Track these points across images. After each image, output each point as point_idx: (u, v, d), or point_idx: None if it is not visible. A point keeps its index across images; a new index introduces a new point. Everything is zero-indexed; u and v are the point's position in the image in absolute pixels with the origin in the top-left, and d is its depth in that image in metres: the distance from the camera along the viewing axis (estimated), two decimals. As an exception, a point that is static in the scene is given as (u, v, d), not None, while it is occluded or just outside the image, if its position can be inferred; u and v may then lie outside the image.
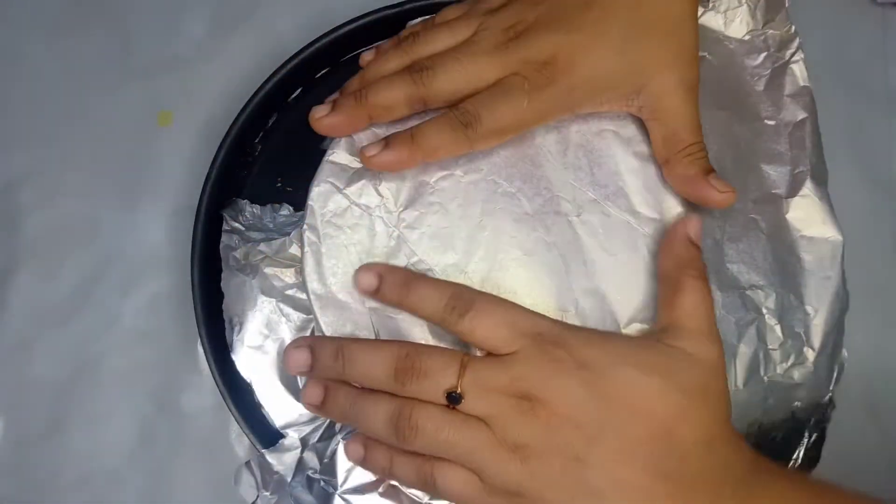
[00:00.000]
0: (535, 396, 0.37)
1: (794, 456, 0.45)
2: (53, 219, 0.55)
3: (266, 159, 0.54)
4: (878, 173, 0.55)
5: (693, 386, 0.38)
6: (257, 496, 0.44)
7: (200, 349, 0.49)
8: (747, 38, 0.49)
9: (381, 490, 0.43)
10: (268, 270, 0.46)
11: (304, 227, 0.43)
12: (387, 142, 0.42)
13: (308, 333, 0.45)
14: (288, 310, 0.46)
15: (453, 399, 0.37)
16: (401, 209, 0.44)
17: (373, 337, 0.42)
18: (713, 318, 0.40)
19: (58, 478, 0.51)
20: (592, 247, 0.43)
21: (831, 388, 0.46)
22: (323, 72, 0.54)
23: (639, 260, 0.44)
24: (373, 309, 0.42)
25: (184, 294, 0.50)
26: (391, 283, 0.41)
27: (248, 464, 0.45)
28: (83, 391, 0.52)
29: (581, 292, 0.43)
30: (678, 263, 0.41)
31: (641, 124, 0.46)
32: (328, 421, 0.45)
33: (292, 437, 0.45)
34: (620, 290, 0.43)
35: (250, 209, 0.48)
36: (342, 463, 0.43)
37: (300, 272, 0.44)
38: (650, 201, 0.45)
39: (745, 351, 0.44)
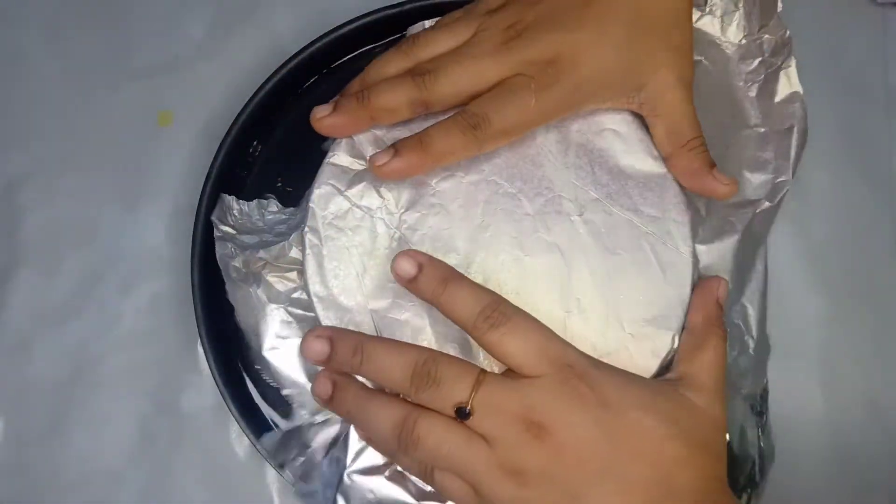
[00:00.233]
0: (545, 426, 0.37)
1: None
2: (53, 219, 0.55)
3: (266, 159, 0.54)
4: (878, 173, 0.55)
5: (698, 438, 0.38)
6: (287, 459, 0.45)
7: (200, 349, 0.49)
8: (743, 42, 0.49)
9: (387, 474, 0.43)
10: (270, 278, 0.46)
11: (306, 229, 0.43)
12: (396, 149, 0.42)
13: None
14: (298, 312, 0.46)
15: (462, 414, 0.37)
16: (402, 211, 0.44)
17: None
18: (725, 379, 0.41)
19: (58, 478, 0.51)
20: (595, 246, 0.43)
21: (766, 376, 0.47)
22: (323, 72, 0.54)
23: (642, 258, 0.44)
24: (375, 311, 0.42)
25: (184, 294, 0.50)
26: (430, 276, 0.40)
27: (287, 433, 0.46)
28: (83, 391, 0.52)
29: (583, 292, 0.43)
30: (707, 320, 0.42)
31: (642, 123, 0.46)
32: None
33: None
34: (623, 290, 0.43)
35: (237, 206, 0.48)
36: (353, 444, 0.43)
37: (302, 275, 0.44)
38: (652, 199, 0.45)
39: None
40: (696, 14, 0.48)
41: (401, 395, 0.40)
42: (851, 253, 0.54)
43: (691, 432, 0.38)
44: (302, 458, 0.45)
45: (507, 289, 0.42)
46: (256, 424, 0.48)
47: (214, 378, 0.48)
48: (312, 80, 0.54)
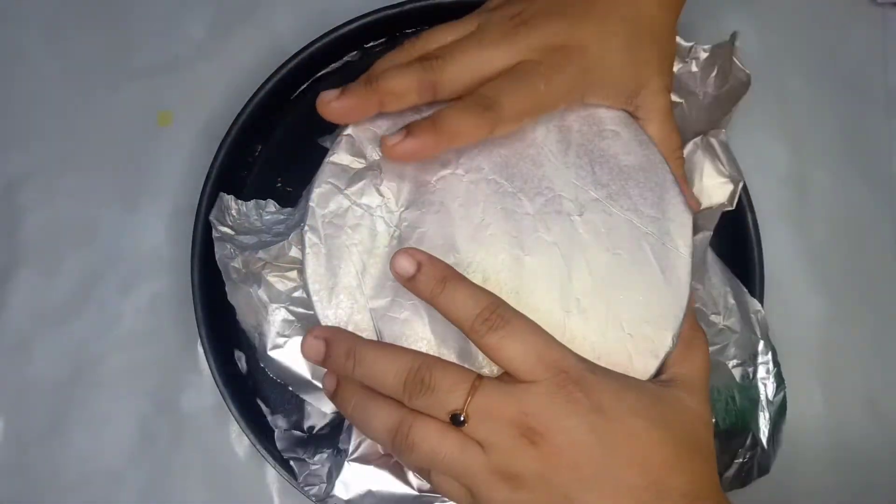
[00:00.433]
0: (540, 431, 0.37)
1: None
2: (53, 219, 0.55)
3: (266, 159, 0.54)
4: (878, 173, 0.56)
5: (690, 441, 0.39)
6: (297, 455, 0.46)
7: (200, 349, 0.50)
8: (721, 92, 0.49)
9: (388, 463, 0.43)
10: (270, 278, 0.46)
11: (305, 227, 0.43)
12: (408, 130, 0.41)
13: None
14: (299, 310, 0.46)
15: (457, 421, 0.37)
16: (402, 209, 0.44)
17: (375, 338, 0.42)
18: (709, 379, 0.42)
19: (58, 478, 0.51)
20: (595, 246, 0.43)
21: (759, 336, 0.48)
22: (323, 72, 0.54)
23: (642, 258, 0.44)
24: (374, 310, 0.42)
25: (184, 294, 0.50)
26: (429, 275, 0.40)
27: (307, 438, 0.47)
28: (83, 391, 0.52)
29: (583, 292, 0.43)
30: (691, 325, 0.43)
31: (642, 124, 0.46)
32: None
33: None
34: (623, 290, 0.43)
35: (235, 206, 0.48)
36: (356, 433, 0.43)
37: (302, 273, 0.44)
38: (652, 200, 0.45)
39: None
40: (677, 65, 0.49)
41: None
42: (851, 253, 0.54)
43: (684, 436, 0.38)
44: (312, 456, 0.46)
45: (506, 288, 0.42)
46: (256, 424, 0.48)
47: (214, 378, 0.48)
48: (312, 79, 0.54)
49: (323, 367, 0.41)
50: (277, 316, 0.46)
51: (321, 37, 0.52)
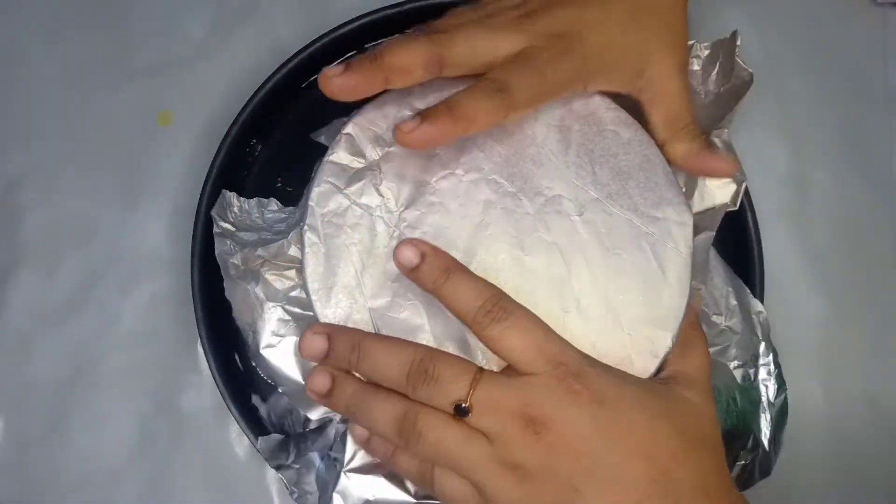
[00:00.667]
0: (543, 422, 0.37)
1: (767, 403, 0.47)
2: (53, 218, 0.55)
3: (266, 159, 0.54)
4: (878, 173, 0.56)
5: (694, 433, 0.39)
6: (284, 463, 0.45)
7: (200, 349, 0.50)
8: (722, 90, 0.49)
9: (385, 473, 0.43)
10: (269, 276, 0.45)
11: (305, 227, 0.43)
12: (423, 116, 0.41)
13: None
14: (295, 310, 0.45)
15: (460, 411, 0.37)
16: (401, 209, 0.44)
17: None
18: (711, 377, 0.42)
19: (58, 478, 0.51)
20: (594, 246, 0.43)
21: (761, 338, 0.47)
22: (323, 72, 0.54)
23: (642, 258, 0.44)
24: (374, 309, 0.42)
25: (184, 294, 0.50)
26: (432, 265, 0.40)
27: (284, 437, 0.46)
28: (83, 391, 0.52)
29: (583, 292, 0.43)
30: (690, 324, 0.43)
31: (642, 123, 0.46)
32: None
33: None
34: (623, 290, 0.43)
35: (238, 203, 0.48)
36: (350, 443, 0.43)
37: (301, 272, 0.44)
38: (653, 200, 0.45)
39: None
40: None
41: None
42: (851, 253, 0.54)
43: (687, 428, 0.39)
44: (298, 461, 0.45)
45: (506, 288, 0.42)
46: (256, 424, 0.48)
47: (214, 378, 0.48)
48: (312, 80, 0.54)
49: (323, 363, 0.41)
50: (273, 314, 0.45)
51: (321, 37, 0.52)
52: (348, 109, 0.45)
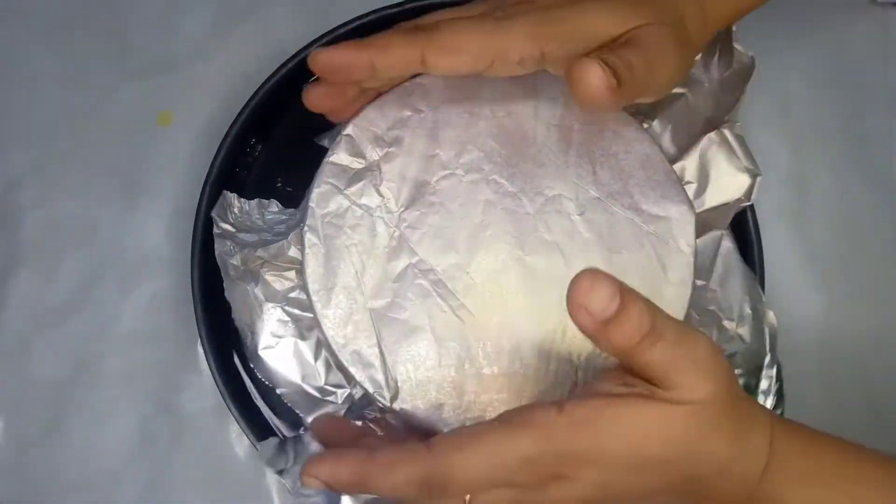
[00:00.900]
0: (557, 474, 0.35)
1: None
2: (53, 218, 0.55)
3: (266, 159, 0.54)
4: (878, 173, 0.55)
5: (691, 433, 0.35)
6: (285, 467, 0.44)
7: (200, 349, 0.49)
8: (724, 76, 0.49)
9: None
10: (268, 276, 0.45)
11: (305, 228, 0.43)
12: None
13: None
14: (294, 311, 0.45)
15: None
16: (402, 209, 0.44)
17: (374, 338, 0.42)
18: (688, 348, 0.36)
19: (57, 478, 0.51)
20: (596, 245, 0.44)
21: (768, 349, 0.46)
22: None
23: (643, 257, 0.44)
24: (374, 310, 0.42)
25: (184, 294, 0.50)
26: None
27: (283, 440, 0.45)
28: (83, 391, 0.52)
29: (584, 292, 0.43)
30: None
31: (643, 121, 0.46)
32: (347, 409, 0.45)
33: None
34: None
35: (238, 203, 0.48)
36: None
37: (301, 273, 0.44)
38: (654, 198, 0.45)
39: None
40: None
41: None
42: (851, 253, 0.54)
43: (683, 438, 0.35)
44: (298, 464, 0.45)
45: (507, 289, 0.42)
46: (256, 424, 0.48)
47: (214, 378, 0.48)
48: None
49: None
50: (272, 315, 0.45)
51: (321, 37, 0.52)
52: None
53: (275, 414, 0.49)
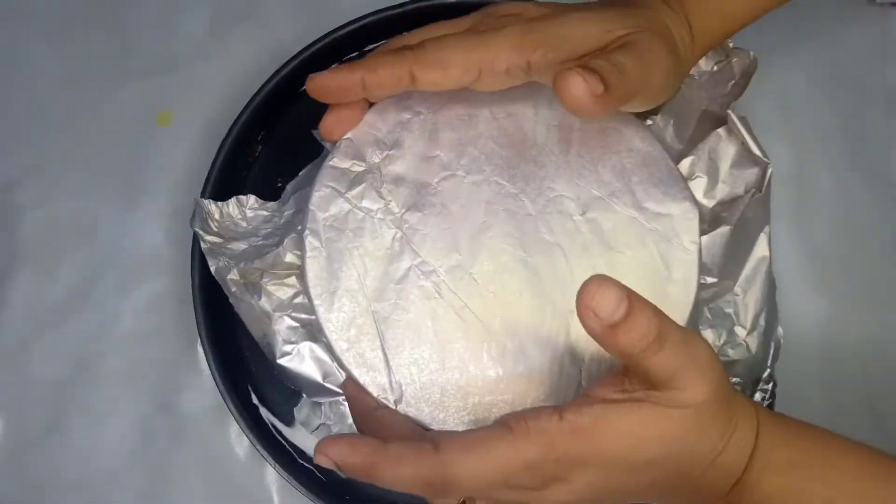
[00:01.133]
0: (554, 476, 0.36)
1: None
2: (53, 218, 0.54)
3: (266, 159, 0.54)
4: (878, 173, 0.56)
5: (689, 433, 0.36)
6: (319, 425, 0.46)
7: (200, 349, 0.49)
8: (715, 69, 0.49)
9: None
10: (270, 287, 0.45)
11: (306, 231, 0.43)
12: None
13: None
14: (301, 317, 0.45)
15: None
16: (403, 211, 0.44)
17: (377, 341, 0.42)
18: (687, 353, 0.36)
19: (57, 478, 0.51)
20: (598, 245, 0.43)
21: (769, 364, 0.47)
22: (323, 72, 0.54)
23: (646, 256, 0.44)
24: (377, 312, 0.42)
25: (184, 294, 0.50)
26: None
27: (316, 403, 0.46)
28: (83, 391, 0.52)
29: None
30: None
31: (644, 121, 0.46)
32: None
33: None
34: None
35: (217, 208, 0.47)
36: None
37: (301, 277, 0.44)
38: (657, 197, 0.45)
39: None
40: None
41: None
42: (851, 253, 0.54)
43: (677, 436, 0.36)
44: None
45: (509, 289, 0.42)
46: (256, 424, 0.48)
47: (214, 378, 0.48)
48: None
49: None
50: (282, 324, 0.45)
51: (321, 37, 0.52)
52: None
53: (274, 414, 0.50)
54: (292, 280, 0.45)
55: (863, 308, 0.54)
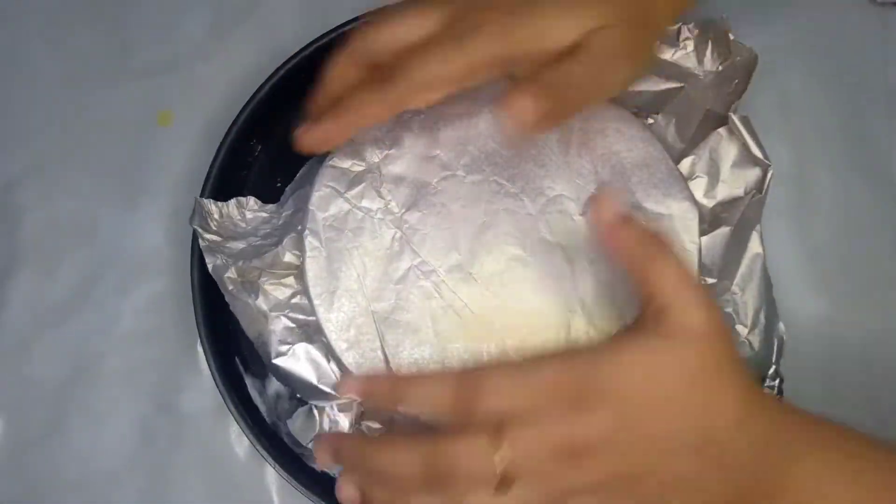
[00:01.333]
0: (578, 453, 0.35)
1: None
2: (53, 218, 0.55)
3: (266, 159, 0.54)
4: (878, 173, 0.55)
5: (706, 373, 0.36)
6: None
7: (200, 349, 0.49)
8: (720, 68, 0.49)
9: None
10: (268, 286, 0.45)
11: (306, 231, 0.43)
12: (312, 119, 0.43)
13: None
14: (298, 317, 0.45)
15: (503, 488, 0.35)
16: (403, 211, 0.44)
17: (377, 342, 0.42)
18: (692, 282, 0.38)
19: (57, 478, 0.51)
20: (598, 245, 0.43)
21: (774, 360, 0.47)
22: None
23: None
24: (376, 312, 0.42)
25: (184, 294, 0.50)
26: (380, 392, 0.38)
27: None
28: (83, 391, 0.52)
29: (587, 291, 0.43)
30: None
31: (645, 121, 0.46)
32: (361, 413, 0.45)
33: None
34: (628, 288, 0.43)
35: (216, 208, 0.47)
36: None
37: (300, 278, 0.44)
38: (657, 196, 0.45)
39: None
40: (670, 51, 0.49)
41: None
42: (851, 253, 0.54)
43: (695, 378, 0.36)
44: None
45: (509, 289, 0.42)
46: (256, 424, 0.48)
47: (214, 378, 0.48)
48: (313, 80, 0.54)
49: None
50: (278, 324, 0.45)
51: (321, 37, 0.52)
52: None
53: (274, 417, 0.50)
54: (290, 280, 0.45)
55: (863, 308, 0.53)
